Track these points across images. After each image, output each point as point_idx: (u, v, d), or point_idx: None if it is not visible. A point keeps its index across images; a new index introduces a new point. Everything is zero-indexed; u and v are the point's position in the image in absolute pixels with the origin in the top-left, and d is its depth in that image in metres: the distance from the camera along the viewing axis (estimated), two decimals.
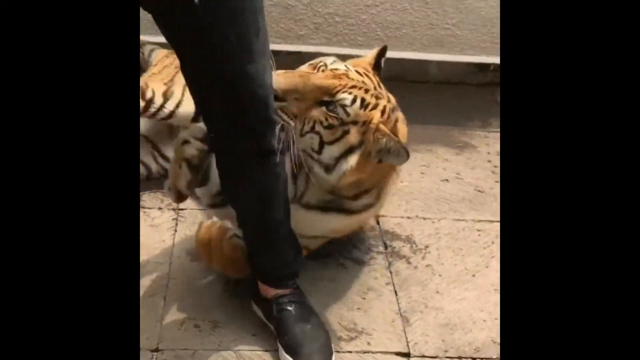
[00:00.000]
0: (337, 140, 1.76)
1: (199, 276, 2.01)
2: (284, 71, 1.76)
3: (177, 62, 2.00)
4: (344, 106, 1.74)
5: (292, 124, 1.74)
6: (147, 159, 2.33)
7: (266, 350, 1.81)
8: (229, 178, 1.76)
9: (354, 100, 1.75)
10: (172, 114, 2.20)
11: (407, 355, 1.85)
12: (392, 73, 3.02)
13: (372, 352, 1.85)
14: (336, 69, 1.80)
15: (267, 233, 1.79)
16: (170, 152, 2.02)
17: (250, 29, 1.52)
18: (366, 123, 1.76)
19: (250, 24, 1.52)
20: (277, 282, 1.83)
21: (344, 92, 1.74)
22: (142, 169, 2.31)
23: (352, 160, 1.77)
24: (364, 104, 1.76)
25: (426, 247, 2.22)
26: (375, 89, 1.81)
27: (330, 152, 1.77)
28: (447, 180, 2.53)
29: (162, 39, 1.61)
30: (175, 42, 1.59)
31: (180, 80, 2.03)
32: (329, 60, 1.84)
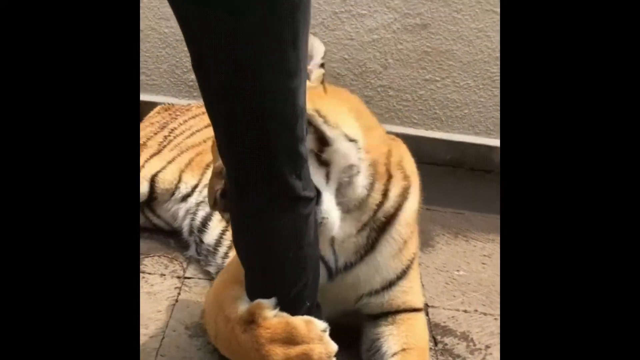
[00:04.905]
0: None
1: (194, 356, 1.58)
2: None
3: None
4: None
5: None
6: None
7: None
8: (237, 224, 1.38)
9: None
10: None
11: None
12: (451, 157, 2.70)
13: None
14: None
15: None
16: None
17: (285, 38, 1.20)
18: None
19: (286, 32, 1.20)
20: None
21: None
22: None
23: None
24: None
25: (487, 347, 1.75)
26: None
27: None
28: None
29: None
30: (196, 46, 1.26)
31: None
32: None
